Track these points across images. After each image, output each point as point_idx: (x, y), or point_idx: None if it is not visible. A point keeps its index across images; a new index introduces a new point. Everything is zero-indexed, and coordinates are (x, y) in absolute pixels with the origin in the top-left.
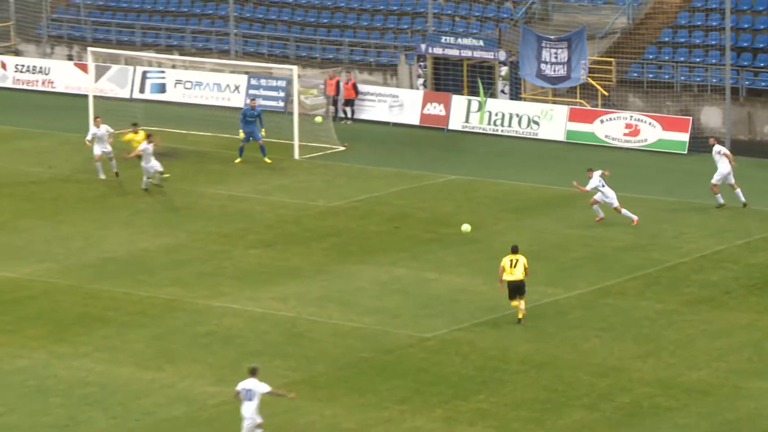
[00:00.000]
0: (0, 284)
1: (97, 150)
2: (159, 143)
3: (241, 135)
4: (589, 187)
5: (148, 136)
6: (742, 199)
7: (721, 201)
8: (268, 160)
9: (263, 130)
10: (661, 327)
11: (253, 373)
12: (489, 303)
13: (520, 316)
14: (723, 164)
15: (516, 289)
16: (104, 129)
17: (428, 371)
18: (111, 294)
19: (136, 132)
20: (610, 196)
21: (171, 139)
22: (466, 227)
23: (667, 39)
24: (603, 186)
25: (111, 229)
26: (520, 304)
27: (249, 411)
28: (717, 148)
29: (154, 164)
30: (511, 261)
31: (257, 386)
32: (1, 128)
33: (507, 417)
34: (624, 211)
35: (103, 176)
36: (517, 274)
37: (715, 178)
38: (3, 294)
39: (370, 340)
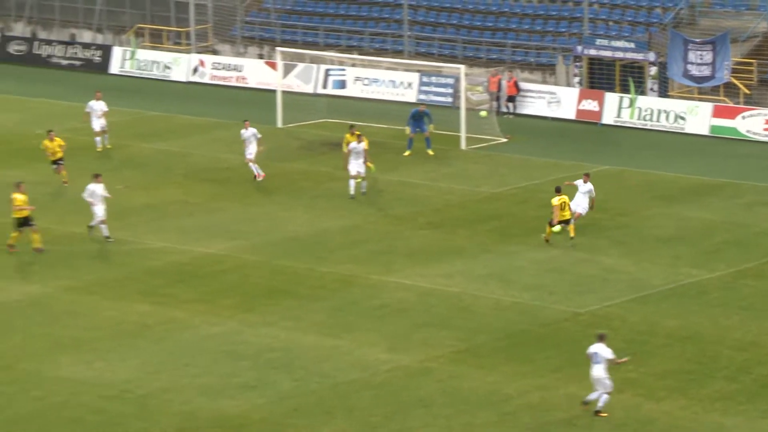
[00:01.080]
0: (198, 259)
1: (248, 154)
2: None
3: (407, 131)
4: (582, 191)
5: (359, 136)
6: None
7: None
8: (431, 152)
9: (432, 126)
10: None
11: (600, 338)
12: (637, 282)
13: (573, 235)
14: None
15: (564, 223)
16: (251, 132)
17: (581, 343)
18: (295, 269)
19: (353, 134)
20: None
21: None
22: (557, 228)
23: None
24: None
25: (295, 210)
26: (569, 227)
27: (598, 372)
28: None
29: (358, 165)
30: (562, 204)
31: (603, 351)
32: (199, 119)
33: (653, 386)
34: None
35: (261, 175)
36: (566, 214)
37: None
38: (200, 268)
39: (528, 314)
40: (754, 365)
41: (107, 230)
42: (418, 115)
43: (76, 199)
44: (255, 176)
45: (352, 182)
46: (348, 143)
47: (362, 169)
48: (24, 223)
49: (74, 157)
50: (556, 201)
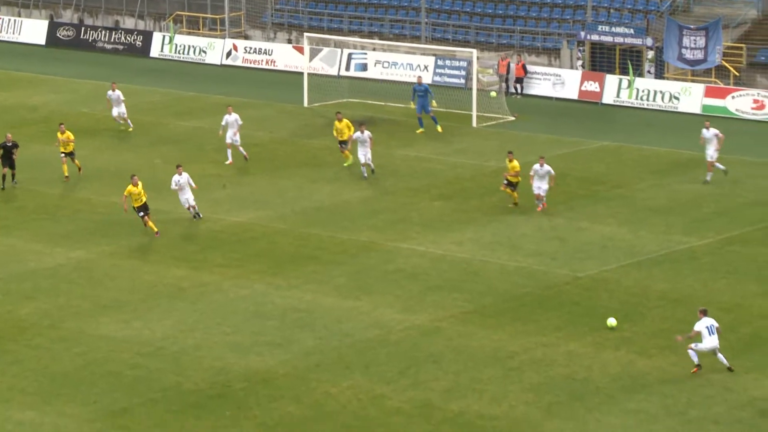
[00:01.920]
0: (230, 227)
1: (228, 138)
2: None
3: (412, 105)
4: (541, 173)
5: (361, 125)
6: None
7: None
8: (440, 129)
9: (434, 101)
10: None
11: (704, 313)
12: (633, 248)
13: (516, 201)
14: (713, 144)
15: (512, 186)
16: (234, 117)
17: (580, 305)
18: (318, 237)
19: (340, 120)
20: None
21: (370, 109)
22: (612, 322)
23: None
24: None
25: (319, 183)
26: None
27: (713, 343)
28: (714, 131)
29: (365, 152)
30: (515, 173)
31: (714, 322)
32: (231, 99)
33: (646, 344)
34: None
35: (230, 161)
36: (517, 179)
37: (714, 156)
38: (232, 235)
39: (531, 278)
40: (740, 325)
41: (197, 210)
42: (422, 92)
43: (116, 171)
44: (245, 157)
45: (363, 168)
46: (337, 129)
47: (369, 155)
48: (142, 209)
49: (111, 135)
50: (517, 164)
